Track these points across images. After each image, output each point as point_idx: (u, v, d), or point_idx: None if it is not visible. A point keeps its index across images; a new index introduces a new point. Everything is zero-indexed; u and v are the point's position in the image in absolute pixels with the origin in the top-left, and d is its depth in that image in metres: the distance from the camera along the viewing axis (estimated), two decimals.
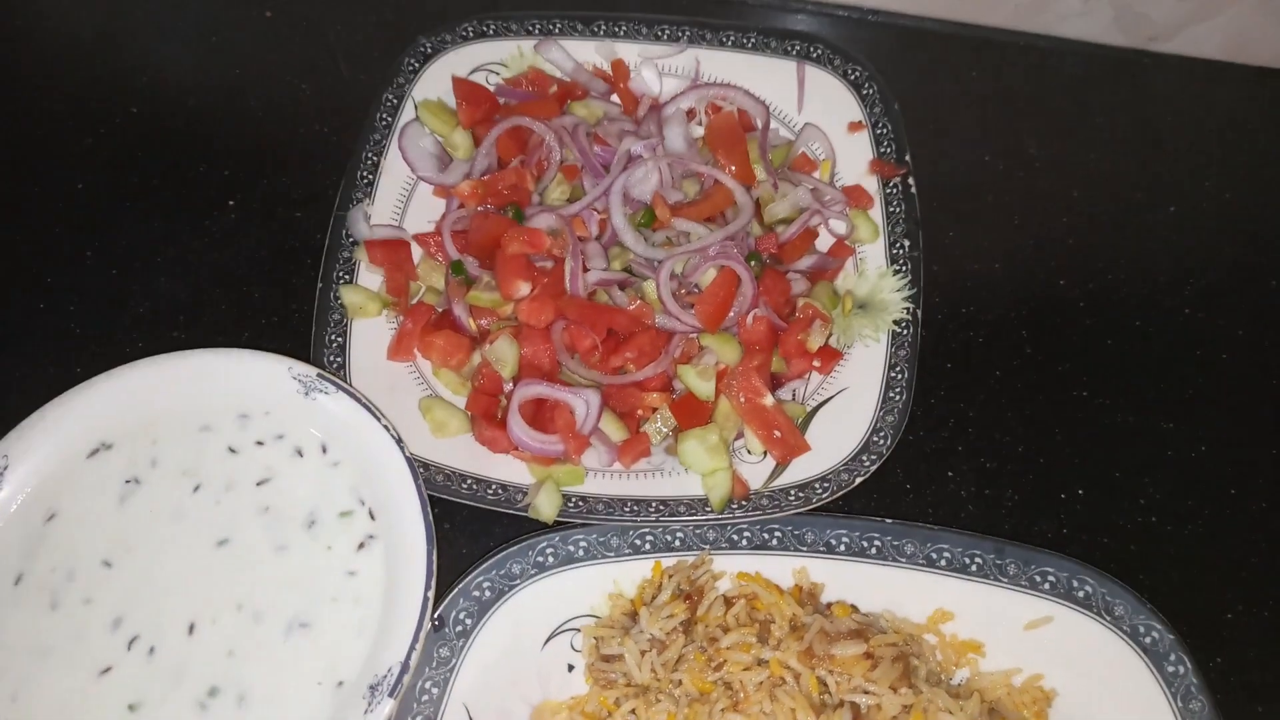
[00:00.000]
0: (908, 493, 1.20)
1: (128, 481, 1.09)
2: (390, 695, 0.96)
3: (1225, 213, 1.42)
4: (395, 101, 1.36)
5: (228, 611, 1.03)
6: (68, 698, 0.99)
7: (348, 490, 1.09)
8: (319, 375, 1.12)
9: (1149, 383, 1.27)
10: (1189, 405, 1.26)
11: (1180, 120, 1.50)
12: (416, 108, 1.36)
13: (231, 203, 1.39)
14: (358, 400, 1.10)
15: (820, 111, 1.37)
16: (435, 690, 1.04)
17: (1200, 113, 1.51)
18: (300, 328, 1.22)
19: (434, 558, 1.02)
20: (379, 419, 1.09)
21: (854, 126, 1.35)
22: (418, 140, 1.35)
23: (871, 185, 1.32)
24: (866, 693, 0.99)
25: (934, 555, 1.10)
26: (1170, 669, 1.04)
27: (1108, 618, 1.06)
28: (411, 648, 0.98)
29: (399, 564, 1.04)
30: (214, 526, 1.07)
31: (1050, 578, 1.08)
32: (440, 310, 1.26)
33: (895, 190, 1.30)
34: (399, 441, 1.07)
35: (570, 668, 1.10)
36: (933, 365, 1.22)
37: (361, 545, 1.06)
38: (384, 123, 1.35)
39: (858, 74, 1.37)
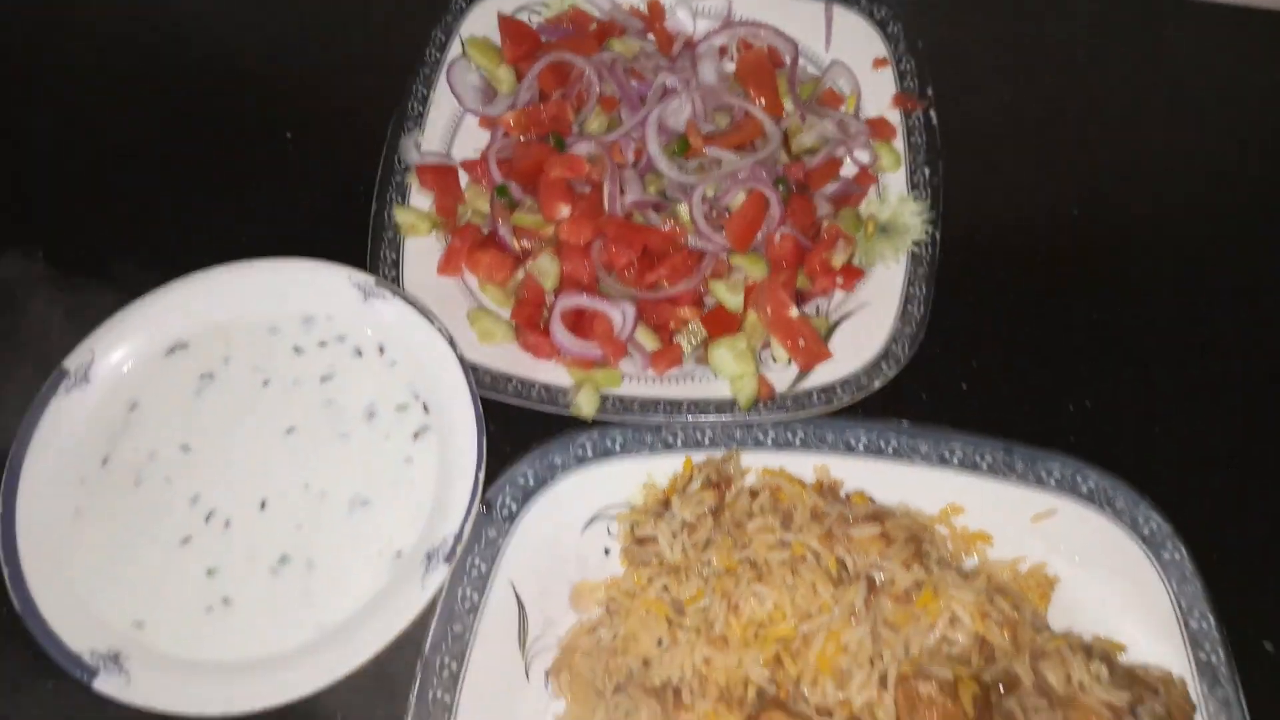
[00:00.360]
0: (923, 401, 1.27)
1: (203, 376, 1.19)
2: (445, 561, 1.06)
3: (1236, 149, 1.47)
4: (444, 39, 1.45)
5: (295, 490, 1.12)
6: (152, 563, 1.09)
7: (404, 386, 1.18)
8: (376, 282, 1.21)
9: (1155, 303, 1.34)
10: (1193, 324, 1.33)
11: (1199, 64, 1.55)
12: (464, 45, 1.45)
13: (289, 135, 1.49)
14: (412, 304, 1.19)
15: (846, 49, 1.44)
16: (484, 566, 1.13)
17: (1219, 57, 1.56)
18: (357, 247, 1.31)
19: (484, 443, 1.11)
20: (432, 321, 1.18)
21: (878, 63, 1.42)
22: (465, 75, 1.44)
23: (895, 118, 1.39)
24: (881, 569, 1.07)
25: (946, 454, 1.18)
26: (1167, 556, 1.11)
27: (1109, 510, 1.14)
28: (465, 520, 1.07)
29: (451, 451, 1.13)
30: (282, 417, 1.16)
31: (1055, 474, 1.16)
32: (486, 231, 1.35)
33: (917, 122, 1.38)
34: (450, 341, 1.17)
35: (606, 552, 1.19)
36: (950, 285, 1.29)
37: (417, 435, 1.16)
38: (433, 58, 1.44)
39: (883, 14, 1.44)
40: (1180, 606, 1.10)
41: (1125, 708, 0.99)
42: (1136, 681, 1.03)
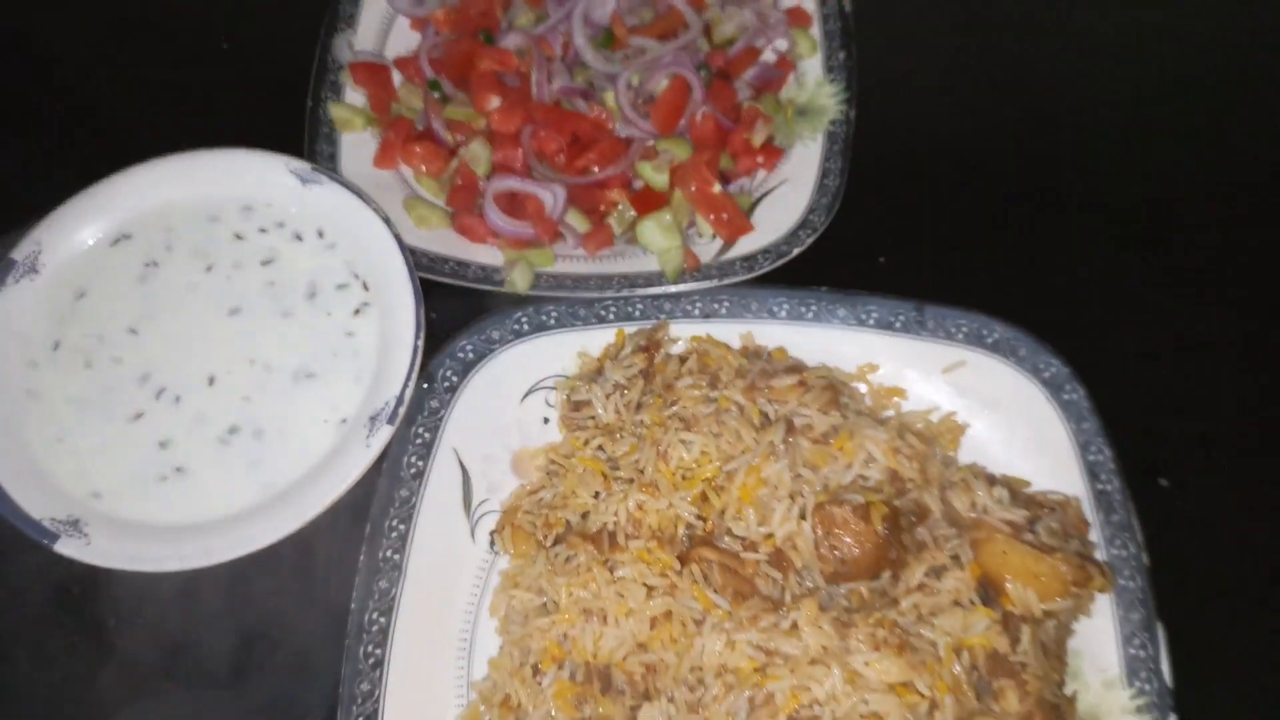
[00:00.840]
0: (843, 272, 1.34)
1: (147, 264, 1.23)
2: (389, 423, 1.11)
3: (1141, 35, 1.56)
4: None
5: (242, 366, 1.18)
6: (104, 439, 1.14)
7: (343, 266, 1.23)
8: (313, 169, 1.26)
9: (1052, 175, 1.43)
10: (1089, 193, 1.41)
11: None
12: None
13: (226, 46, 1.52)
14: (348, 188, 1.24)
15: None
16: (427, 435, 1.19)
17: None
18: (294, 145, 1.35)
19: (422, 313, 1.16)
20: (368, 203, 1.23)
21: None
22: None
23: (811, 6, 1.46)
24: (799, 414, 1.14)
25: (862, 316, 1.25)
26: (1067, 396, 1.19)
27: (1013, 358, 1.22)
28: (405, 384, 1.13)
29: (390, 323, 1.18)
30: (226, 298, 1.21)
31: (964, 328, 1.23)
32: (420, 126, 1.39)
33: (832, 10, 1.44)
34: (387, 220, 1.21)
35: (545, 420, 1.25)
36: (866, 162, 1.36)
37: (357, 311, 1.21)
38: None
39: None
40: (1079, 442, 1.18)
41: (1024, 524, 1.08)
42: (1034, 503, 1.12)
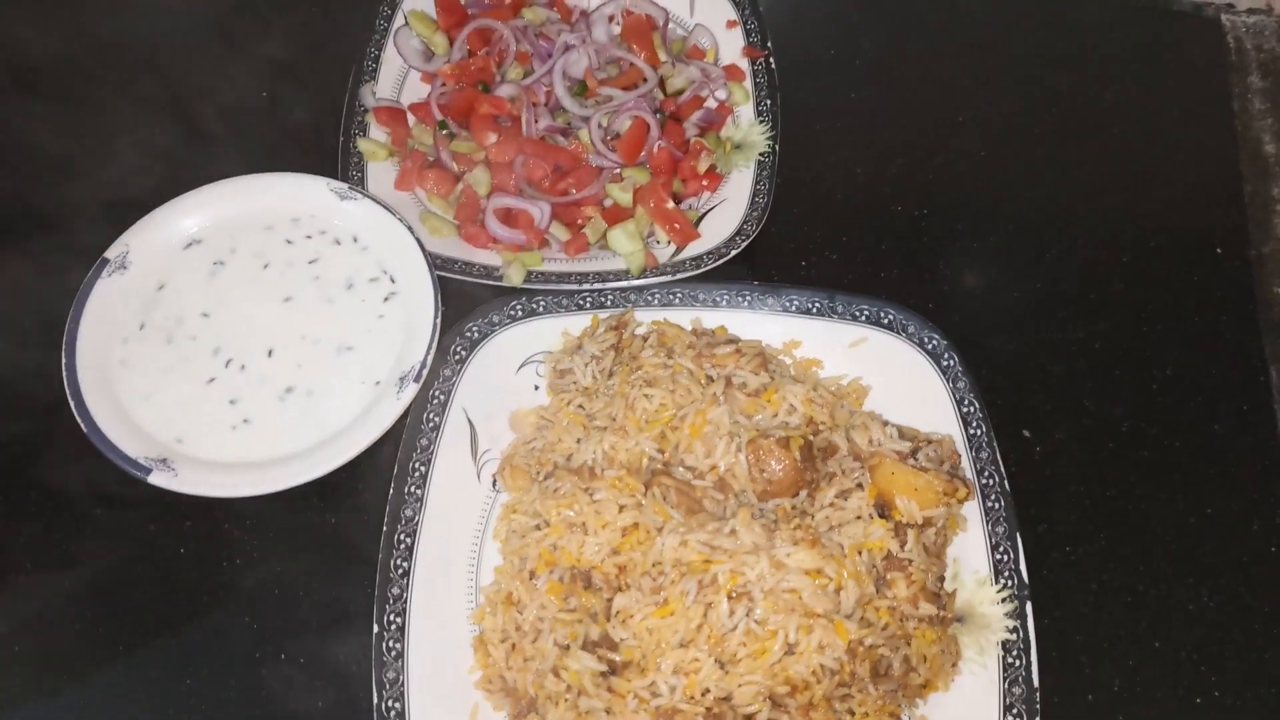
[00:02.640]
0: (772, 274, 1.67)
1: (215, 263, 1.52)
2: (415, 381, 1.41)
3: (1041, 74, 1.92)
4: (390, 12, 1.81)
5: (294, 341, 1.46)
6: (185, 397, 1.41)
7: (375, 264, 1.53)
8: (349, 188, 1.56)
9: (944, 194, 1.76)
10: (976, 211, 1.76)
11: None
12: (405, 16, 1.82)
13: (264, 95, 1.84)
14: (378, 203, 1.55)
15: (706, 14, 1.85)
16: (442, 397, 1.48)
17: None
18: (330, 171, 1.64)
19: (439, 300, 1.46)
20: (394, 214, 1.53)
21: (730, 24, 1.84)
22: (408, 40, 1.81)
23: (744, 65, 1.80)
24: (735, 374, 1.46)
25: (787, 304, 1.57)
26: (945, 363, 1.51)
27: (904, 334, 1.53)
28: (426, 353, 1.42)
29: (413, 308, 1.48)
30: (280, 289, 1.50)
31: (865, 311, 1.55)
32: (431, 158, 1.71)
33: (761, 67, 1.79)
34: (409, 227, 1.52)
35: (536, 388, 1.55)
36: (791, 185, 1.69)
37: (386, 299, 1.50)
38: (381, 28, 1.80)
39: None
40: (955, 399, 1.50)
41: (908, 452, 1.40)
42: (917, 437, 1.44)
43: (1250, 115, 1.89)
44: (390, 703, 1.30)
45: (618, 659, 1.30)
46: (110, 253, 1.49)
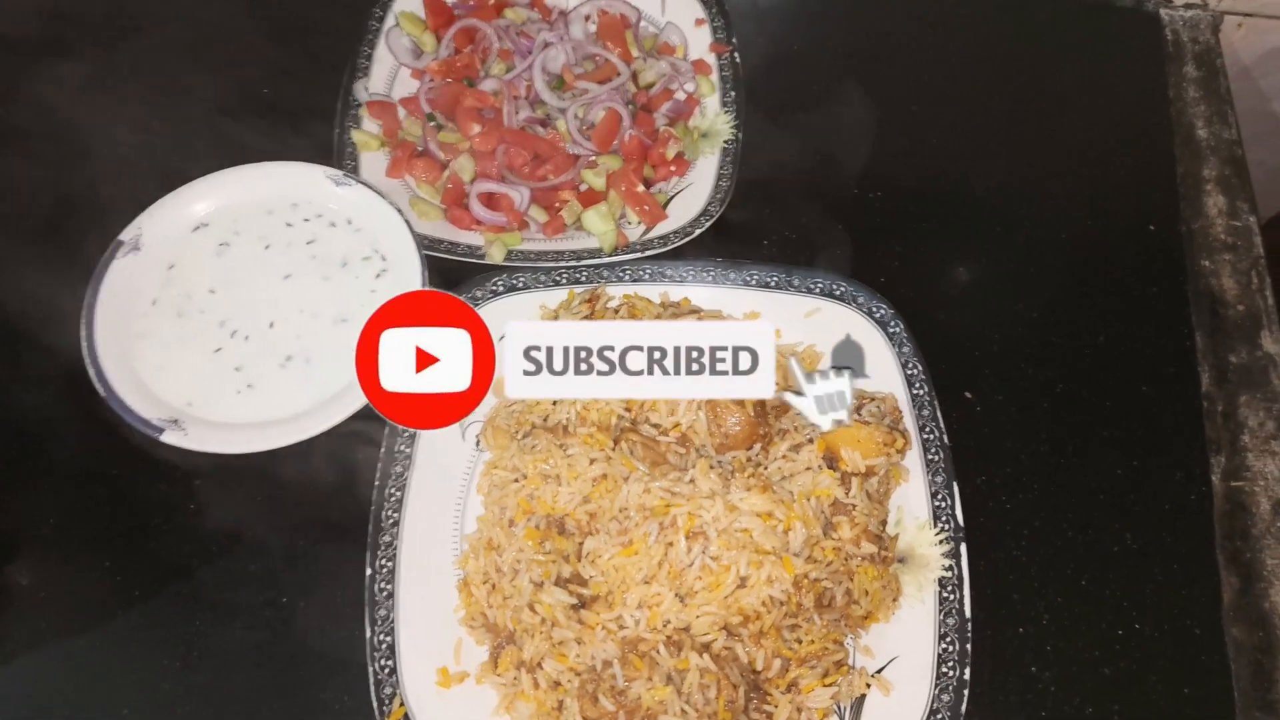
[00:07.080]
0: (733, 247, 1.80)
1: (220, 244, 1.66)
2: None
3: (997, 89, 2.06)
4: (381, 13, 1.96)
5: (294, 314, 1.60)
6: (195, 365, 1.55)
7: (367, 244, 1.67)
8: (344, 175, 1.70)
9: (901, 180, 1.90)
10: (918, 191, 1.90)
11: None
12: (396, 17, 1.96)
13: (266, 91, 1.97)
14: (369, 188, 1.68)
15: (676, 12, 1.99)
16: None
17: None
18: (326, 160, 1.78)
19: (426, 275, 1.60)
20: (384, 198, 1.67)
21: (699, 22, 1.97)
22: (399, 39, 1.95)
23: (711, 60, 1.94)
24: None
25: (749, 278, 1.70)
26: (892, 330, 1.64)
27: (854, 304, 1.66)
28: None
29: (403, 284, 1.61)
30: (281, 267, 1.64)
31: (819, 284, 1.68)
32: (420, 148, 1.85)
33: (726, 61, 1.93)
34: (399, 210, 1.66)
35: None
36: (753, 170, 1.82)
37: (378, 275, 1.64)
38: (374, 28, 1.94)
39: None
40: (900, 363, 1.63)
41: (853, 408, 1.53)
42: (863, 395, 1.57)
43: (1185, 103, 2.02)
44: (382, 636, 1.43)
45: (587, 594, 1.43)
46: (125, 235, 1.63)
